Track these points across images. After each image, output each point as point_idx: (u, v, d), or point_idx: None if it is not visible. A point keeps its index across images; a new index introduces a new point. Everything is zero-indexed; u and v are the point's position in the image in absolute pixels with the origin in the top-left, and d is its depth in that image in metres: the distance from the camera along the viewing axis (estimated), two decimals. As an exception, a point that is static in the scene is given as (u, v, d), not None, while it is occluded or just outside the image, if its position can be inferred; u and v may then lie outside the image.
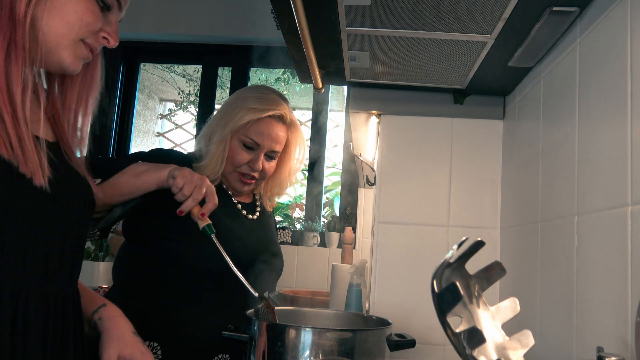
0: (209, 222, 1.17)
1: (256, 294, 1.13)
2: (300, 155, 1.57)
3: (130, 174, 1.20)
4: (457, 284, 0.60)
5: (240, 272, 1.18)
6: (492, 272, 0.64)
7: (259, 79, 3.67)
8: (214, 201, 1.19)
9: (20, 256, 0.83)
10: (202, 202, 1.19)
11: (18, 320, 0.83)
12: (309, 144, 2.89)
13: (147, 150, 1.47)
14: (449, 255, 0.62)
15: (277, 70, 3.45)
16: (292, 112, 1.51)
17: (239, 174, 1.44)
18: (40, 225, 0.85)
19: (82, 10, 0.88)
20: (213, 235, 1.17)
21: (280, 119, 1.46)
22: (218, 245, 1.16)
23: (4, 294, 0.82)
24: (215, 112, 1.53)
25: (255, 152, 1.43)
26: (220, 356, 1.34)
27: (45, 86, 0.96)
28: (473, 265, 0.63)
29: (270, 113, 1.43)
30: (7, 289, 0.82)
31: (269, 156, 1.46)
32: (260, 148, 1.43)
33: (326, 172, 2.98)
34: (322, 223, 2.79)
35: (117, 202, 1.23)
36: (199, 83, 3.13)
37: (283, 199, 3.28)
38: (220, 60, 3.02)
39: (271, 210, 1.64)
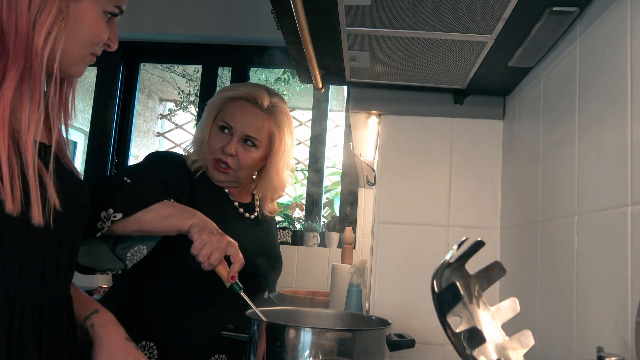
0: (236, 280, 1.17)
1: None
2: (287, 150, 1.52)
3: (155, 214, 1.20)
4: (457, 284, 0.60)
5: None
6: (492, 272, 0.64)
7: (259, 79, 3.67)
8: (240, 261, 1.18)
9: (17, 261, 0.83)
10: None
11: (14, 325, 0.83)
12: (308, 144, 2.89)
13: (146, 150, 1.47)
14: (449, 255, 0.62)
15: (277, 70, 3.46)
16: (278, 105, 1.49)
17: (214, 161, 1.44)
18: (38, 230, 0.85)
19: (95, 32, 0.90)
20: (241, 291, 1.16)
21: (255, 103, 1.46)
22: (247, 299, 1.14)
23: (0, 300, 0.82)
24: None
25: (230, 136, 1.44)
26: (217, 356, 1.34)
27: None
28: (473, 265, 0.63)
29: (241, 94, 1.46)
30: (4, 295, 0.82)
31: (245, 142, 1.44)
32: (233, 131, 1.43)
33: (326, 172, 2.98)
34: (322, 223, 2.79)
35: (134, 235, 1.25)
36: (199, 83, 3.13)
37: (283, 199, 3.28)
38: (220, 60, 3.02)
39: (272, 216, 1.63)
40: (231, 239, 1.20)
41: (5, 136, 0.80)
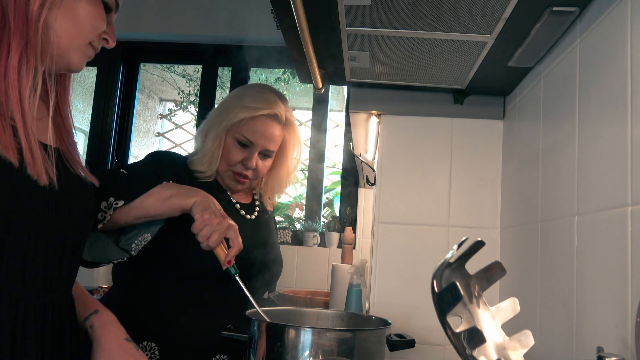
0: (233, 264, 1.16)
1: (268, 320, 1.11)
2: (297, 154, 1.56)
3: (156, 197, 1.19)
4: (457, 284, 0.60)
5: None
6: (492, 272, 0.64)
7: (259, 79, 3.67)
8: (238, 245, 1.17)
9: (19, 265, 0.83)
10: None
11: (17, 330, 0.82)
12: (308, 144, 2.89)
13: (146, 150, 1.47)
14: (449, 255, 0.62)
15: (277, 70, 3.46)
16: (289, 111, 1.50)
17: (232, 173, 1.45)
18: (41, 234, 0.85)
19: (92, 15, 0.91)
20: (237, 276, 1.15)
21: (275, 118, 1.45)
22: (241, 284, 1.14)
23: (3, 304, 0.81)
24: (213, 109, 1.53)
25: (249, 150, 1.43)
26: (218, 357, 1.34)
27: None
28: (473, 265, 0.63)
29: (265, 112, 1.43)
30: (6, 299, 0.82)
31: (263, 154, 1.46)
32: (254, 146, 1.43)
33: (326, 172, 2.98)
34: (322, 223, 2.79)
35: (138, 223, 1.23)
36: (199, 83, 3.13)
37: (283, 199, 3.28)
38: (220, 60, 3.02)
39: (271, 210, 1.64)
40: (232, 222, 1.18)
41: (18, 104, 0.81)
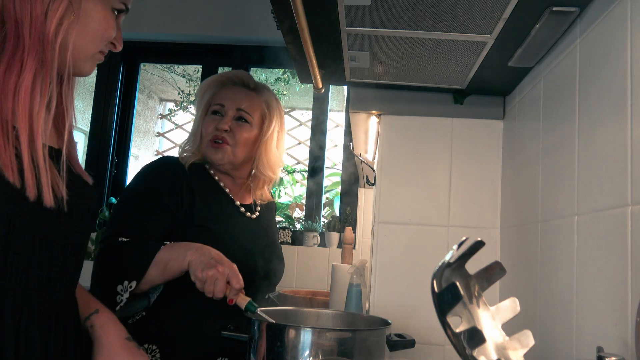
0: (248, 299, 1.15)
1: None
2: (278, 128, 1.55)
3: (156, 268, 1.22)
4: (457, 284, 0.60)
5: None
6: (492, 272, 0.64)
7: (259, 79, 3.67)
8: (238, 285, 1.16)
9: (24, 269, 0.83)
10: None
11: (21, 332, 0.82)
12: (308, 144, 2.89)
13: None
14: (449, 255, 0.62)
15: (277, 70, 3.45)
16: (263, 86, 1.56)
17: (209, 142, 1.46)
18: (45, 237, 0.85)
19: (104, 27, 0.92)
20: (258, 310, 1.14)
21: (242, 84, 1.53)
22: (265, 316, 1.12)
23: (8, 308, 0.81)
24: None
25: (222, 116, 1.48)
26: (219, 359, 1.34)
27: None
28: (473, 265, 0.63)
29: (226, 79, 1.53)
30: (11, 303, 0.82)
31: (239, 120, 1.49)
32: (225, 109, 1.48)
33: (326, 172, 2.98)
34: (322, 223, 2.79)
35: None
36: (199, 83, 3.13)
37: (283, 199, 3.28)
38: (220, 60, 3.02)
39: (268, 201, 1.62)
40: (228, 263, 1.18)
41: (25, 123, 0.81)
